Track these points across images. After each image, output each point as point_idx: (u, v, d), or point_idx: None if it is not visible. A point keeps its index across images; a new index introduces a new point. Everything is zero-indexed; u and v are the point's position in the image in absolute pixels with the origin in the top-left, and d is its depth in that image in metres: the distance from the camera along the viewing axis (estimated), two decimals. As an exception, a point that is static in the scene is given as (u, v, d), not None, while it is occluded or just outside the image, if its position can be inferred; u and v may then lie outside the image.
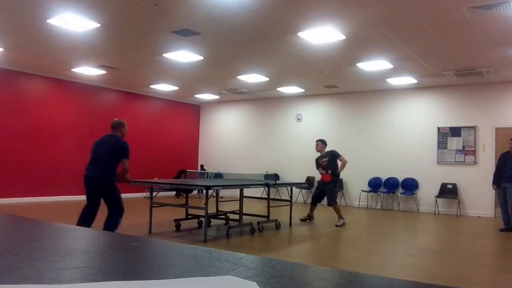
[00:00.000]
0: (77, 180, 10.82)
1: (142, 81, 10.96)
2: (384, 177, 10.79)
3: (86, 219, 5.07)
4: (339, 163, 7.87)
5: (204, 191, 5.96)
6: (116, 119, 5.67)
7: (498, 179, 7.61)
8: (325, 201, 8.09)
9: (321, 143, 7.96)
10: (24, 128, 9.88)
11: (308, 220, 7.95)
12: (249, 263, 0.73)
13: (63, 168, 10.55)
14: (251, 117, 13.43)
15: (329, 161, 7.75)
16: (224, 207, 8.15)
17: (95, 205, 5.15)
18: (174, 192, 12.44)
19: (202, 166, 13.78)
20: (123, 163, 5.13)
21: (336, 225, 7.48)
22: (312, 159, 8.28)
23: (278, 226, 7.06)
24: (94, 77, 10.46)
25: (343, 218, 7.61)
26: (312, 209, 8.01)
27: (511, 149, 7.56)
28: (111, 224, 5.11)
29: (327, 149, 7.95)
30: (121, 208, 5.19)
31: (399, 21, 5.96)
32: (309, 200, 8.46)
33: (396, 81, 9.86)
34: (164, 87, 11.71)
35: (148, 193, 7.30)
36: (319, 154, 7.96)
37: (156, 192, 7.09)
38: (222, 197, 8.33)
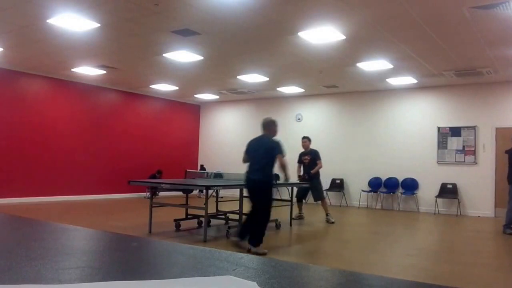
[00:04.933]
0: (77, 180, 10.88)
1: (142, 81, 10.97)
2: (384, 177, 10.79)
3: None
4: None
5: (204, 191, 5.96)
6: (265, 118, 5.43)
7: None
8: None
9: (308, 140, 8.31)
10: (24, 128, 9.88)
11: (300, 218, 8.09)
12: (249, 263, 0.73)
13: (63, 168, 10.55)
14: (251, 117, 13.41)
15: (310, 160, 8.06)
16: (224, 207, 8.15)
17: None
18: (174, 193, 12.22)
19: (202, 166, 13.77)
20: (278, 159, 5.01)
21: (331, 222, 7.71)
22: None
23: (278, 226, 7.06)
24: (94, 77, 10.46)
25: (329, 214, 7.94)
26: (300, 207, 8.25)
27: None
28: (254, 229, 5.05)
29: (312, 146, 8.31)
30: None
31: (399, 21, 5.96)
32: (310, 200, 8.48)
33: (396, 81, 9.86)
34: (164, 87, 11.71)
35: (149, 193, 7.29)
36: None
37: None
38: (222, 197, 8.33)
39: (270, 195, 5.10)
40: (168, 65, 8.97)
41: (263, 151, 5.04)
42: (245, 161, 5.37)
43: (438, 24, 6.01)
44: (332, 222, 7.73)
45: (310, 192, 8.24)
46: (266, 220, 5.09)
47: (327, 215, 7.85)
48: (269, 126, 5.23)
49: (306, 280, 0.66)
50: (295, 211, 8.10)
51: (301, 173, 8.18)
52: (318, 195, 8.07)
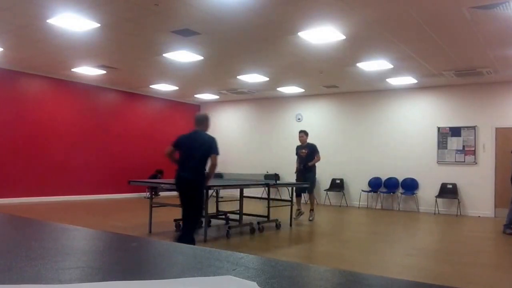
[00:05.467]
0: (77, 180, 10.87)
1: (142, 81, 10.96)
2: (384, 177, 10.79)
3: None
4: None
5: (204, 191, 5.95)
6: (199, 113, 5.19)
7: None
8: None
9: (305, 134, 8.39)
10: (24, 128, 9.88)
11: (299, 214, 8.13)
12: (249, 263, 0.73)
13: (63, 168, 10.55)
14: (251, 117, 13.43)
15: (308, 154, 8.17)
16: (224, 207, 8.15)
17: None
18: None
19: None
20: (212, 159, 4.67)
21: (309, 219, 7.97)
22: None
23: (278, 226, 7.06)
24: (94, 77, 10.46)
25: (313, 211, 8.12)
26: (299, 202, 8.28)
27: None
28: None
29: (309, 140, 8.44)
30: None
31: (399, 21, 5.96)
32: (310, 200, 8.50)
33: (396, 81, 9.86)
34: (164, 87, 11.71)
35: (149, 193, 7.29)
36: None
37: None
38: (222, 197, 8.33)
39: (203, 196, 4.84)
40: (168, 65, 8.97)
41: (200, 148, 4.70)
42: (170, 155, 4.89)
43: (438, 24, 6.01)
44: (310, 220, 7.95)
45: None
46: (197, 222, 4.84)
47: (311, 210, 8.07)
48: (204, 122, 4.93)
49: (306, 280, 0.66)
50: (295, 207, 8.13)
51: (299, 165, 8.32)
52: (311, 188, 8.16)
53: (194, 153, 4.68)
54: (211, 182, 6.79)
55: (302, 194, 8.41)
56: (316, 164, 8.23)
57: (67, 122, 10.72)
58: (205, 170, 4.72)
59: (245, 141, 13.40)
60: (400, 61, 8.12)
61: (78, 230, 1.06)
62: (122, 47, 7.74)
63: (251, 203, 8.92)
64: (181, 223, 6.27)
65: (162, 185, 7.09)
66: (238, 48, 7.56)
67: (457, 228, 7.94)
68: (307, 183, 7.99)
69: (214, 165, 4.68)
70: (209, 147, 4.67)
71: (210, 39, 7.01)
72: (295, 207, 8.05)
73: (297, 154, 8.42)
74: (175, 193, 11.37)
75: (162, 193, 11.40)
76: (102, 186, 11.35)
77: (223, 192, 8.77)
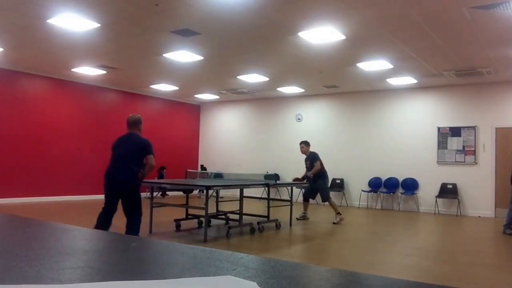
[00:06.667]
0: (77, 180, 10.87)
1: (142, 81, 10.96)
2: (384, 177, 10.79)
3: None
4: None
5: (204, 191, 5.96)
6: (132, 115, 5.13)
7: None
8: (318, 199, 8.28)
9: (306, 145, 8.09)
10: (24, 128, 9.88)
11: (304, 219, 8.06)
12: (249, 263, 0.73)
13: (63, 168, 10.55)
14: (251, 117, 13.43)
15: (310, 164, 7.97)
16: (224, 207, 8.15)
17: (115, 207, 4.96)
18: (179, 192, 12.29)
19: (202, 166, 13.78)
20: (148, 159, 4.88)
21: (334, 223, 7.65)
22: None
23: (278, 226, 7.06)
24: (94, 77, 10.46)
25: (340, 214, 7.82)
26: (306, 207, 8.21)
27: None
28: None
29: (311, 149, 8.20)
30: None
31: (399, 21, 5.96)
32: (318, 201, 8.47)
33: (396, 81, 9.86)
34: (164, 87, 11.71)
35: (149, 193, 7.29)
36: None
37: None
38: (222, 197, 8.33)
39: (140, 196, 4.96)
40: (168, 65, 8.97)
41: (133, 150, 4.83)
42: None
43: (438, 24, 6.01)
44: (335, 223, 7.65)
45: (319, 194, 8.15)
46: (139, 224, 4.97)
47: (337, 214, 7.75)
48: (138, 124, 5.00)
49: (306, 280, 0.66)
50: (300, 210, 8.09)
51: (307, 175, 8.10)
52: (325, 197, 7.94)
53: (128, 154, 4.81)
54: (211, 182, 6.79)
55: (309, 199, 8.22)
56: (325, 169, 8.03)
57: (67, 122, 10.72)
58: (138, 171, 4.86)
59: (245, 141, 13.40)
60: (400, 61, 8.12)
61: (78, 230, 1.06)
62: (122, 47, 7.74)
63: (251, 203, 8.92)
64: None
65: (163, 185, 7.09)
66: (238, 48, 7.56)
67: (457, 228, 7.94)
68: (305, 182, 7.99)
69: (151, 166, 4.86)
70: (145, 149, 4.85)
71: (210, 39, 7.01)
72: (300, 210, 8.03)
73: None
74: (175, 193, 11.31)
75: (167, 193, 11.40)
76: (102, 186, 11.33)
77: (223, 192, 8.78)
